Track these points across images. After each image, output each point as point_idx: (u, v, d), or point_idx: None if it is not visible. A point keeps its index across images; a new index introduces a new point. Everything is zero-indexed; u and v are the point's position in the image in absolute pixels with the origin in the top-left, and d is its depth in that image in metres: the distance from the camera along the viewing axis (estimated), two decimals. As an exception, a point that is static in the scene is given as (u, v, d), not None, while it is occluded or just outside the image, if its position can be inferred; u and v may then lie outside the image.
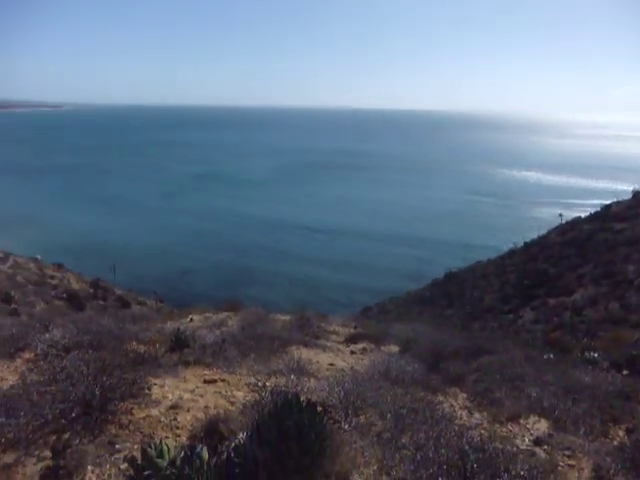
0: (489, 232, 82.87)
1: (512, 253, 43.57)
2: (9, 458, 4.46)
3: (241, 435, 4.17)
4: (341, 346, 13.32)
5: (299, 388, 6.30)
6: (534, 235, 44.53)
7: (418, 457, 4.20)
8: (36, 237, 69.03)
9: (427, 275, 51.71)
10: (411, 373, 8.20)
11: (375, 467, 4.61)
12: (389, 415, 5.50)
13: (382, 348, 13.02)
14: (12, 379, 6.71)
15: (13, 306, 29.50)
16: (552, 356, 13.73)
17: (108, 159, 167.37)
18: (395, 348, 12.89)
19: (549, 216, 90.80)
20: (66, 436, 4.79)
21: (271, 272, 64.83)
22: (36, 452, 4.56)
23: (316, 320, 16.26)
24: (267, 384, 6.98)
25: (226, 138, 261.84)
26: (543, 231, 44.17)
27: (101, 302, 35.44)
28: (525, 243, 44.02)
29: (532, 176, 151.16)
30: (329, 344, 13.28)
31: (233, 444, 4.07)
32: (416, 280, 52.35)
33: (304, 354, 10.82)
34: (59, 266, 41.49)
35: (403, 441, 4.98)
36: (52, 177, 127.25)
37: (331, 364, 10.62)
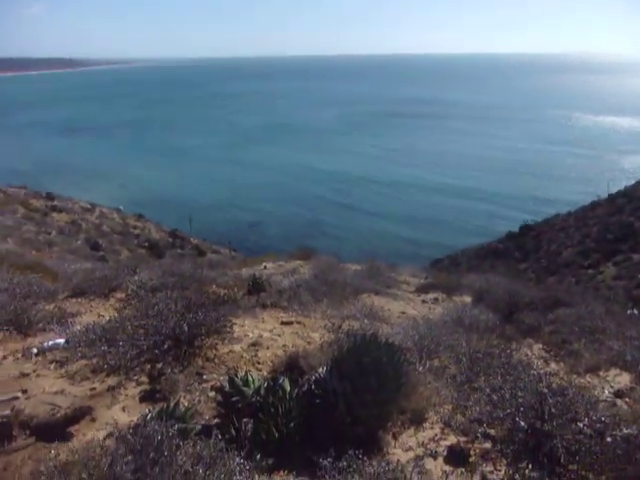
0: (565, 184, 78.02)
1: (595, 205, 41.16)
2: (112, 381, 4.94)
3: (321, 370, 4.36)
4: (412, 295, 13.38)
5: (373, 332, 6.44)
6: (619, 187, 41.63)
7: (494, 398, 4.23)
8: (115, 190, 72.81)
9: (497, 230, 49.98)
10: (485, 322, 8.14)
11: (450, 407, 4.71)
12: (464, 359, 5.53)
13: (454, 298, 12.96)
14: (108, 315, 7.31)
15: (101, 253, 31.65)
16: (636, 312, 13.12)
17: (177, 112, 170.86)
18: (468, 299, 12.77)
19: (635, 166, 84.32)
20: (159, 365, 5.21)
21: (338, 225, 65.03)
22: (135, 377, 5.02)
23: (386, 270, 16.36)
24: (342, 326, 7.17)
25: (296, 88, 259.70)
26: (630, 182, 41.14)
27: (179, 250, 37.19)
28: (609, 195, 41.40)
29: (613, 122, 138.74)
30: (400, 293, 13.36)
31: (313, 377, 4.28)
32: (486, 236, 50.76)
33: (375, 301, 10.98)
34: (140, 216, 43.74)
35: (478, 384, 5.02)
36: (125, 132, 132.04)
37: (402, 312, 10.72)
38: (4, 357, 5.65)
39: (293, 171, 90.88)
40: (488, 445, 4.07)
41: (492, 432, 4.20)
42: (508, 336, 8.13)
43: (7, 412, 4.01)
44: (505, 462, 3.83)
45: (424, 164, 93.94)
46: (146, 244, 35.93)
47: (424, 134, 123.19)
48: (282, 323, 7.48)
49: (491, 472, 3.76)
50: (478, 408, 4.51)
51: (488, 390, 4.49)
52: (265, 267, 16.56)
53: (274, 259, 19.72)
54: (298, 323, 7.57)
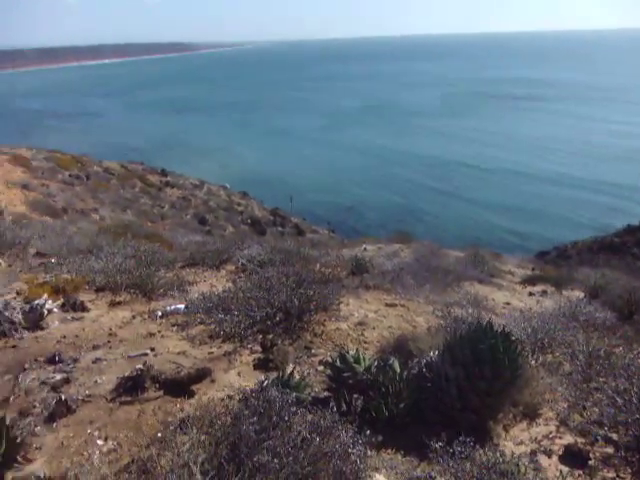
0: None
1: None
2: (228, 347, 5.25)
3: (432, 354, 4.33)
4: (517, 286, 12.81)
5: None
6: None
7: (619, 401, 3.96)
8: (222, 168, 76.28)
9: (612, 225, 45.98)
10: (602, 320, 7.60)
11: (565, 405, 4.48)
12: (580, 356, 5.22)
13: (564, 292, 12.21)
14: (220, 286, 7.74)
15: (207, 227, 33.45)
16: None
17: (281, 94, 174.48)
18: (579, 294, 11.98)
19: None
20: (270, 336, 5.45)
21: (435, 211, 63.29)
22: (249, 345, 5.30)
23: (490, 258, 15.77)
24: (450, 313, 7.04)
25: (396, 69, 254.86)
26: None
27: (279, 229, 38.40)
28: None
29: None
30: (504, 283, 12.85)
31: (424, 361, 4.26)
32: (598, 230, 46.88)
33: (479, 290, 10.65)
34: (244, 194, 45.60)
35: (598, 384, 4.73)
36: (231, 113, 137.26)
37: (507, 303, 10.31)
38: (133, 317, 6.20)
39: (389, 155, 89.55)
40: (610, 450, 3.83)
41: (614, 437, 3.94)
42: (629, 337, 7.53)
43: (140, 366, 4.40)
44: (630, 471, 3.58)
45: (527, 149, 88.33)
46: (249, 221, 37.44)
47: (526, 117, 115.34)
48: (386, 305, 7.50)
49: (613, 479, 3.55)
50: (598, 409, 4.24)
51: (610, 391, 4.21)
52: (365, 249, 16.63)
53: (374, 241, 19.76)
54: (402, 306, 7.54)
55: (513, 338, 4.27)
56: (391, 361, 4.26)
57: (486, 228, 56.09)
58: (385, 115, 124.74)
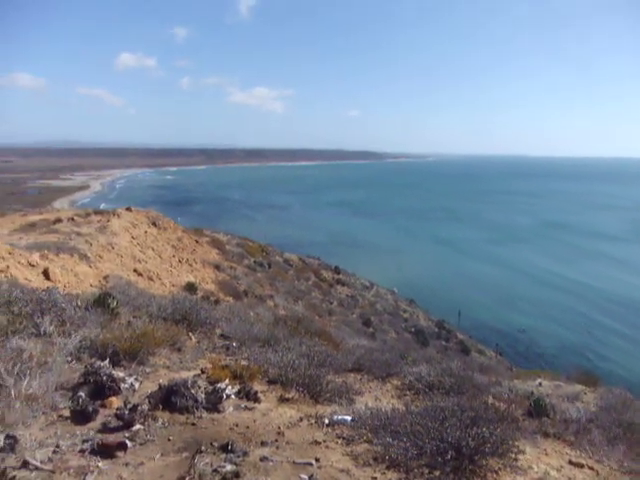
0: None
1: None
2: (392, 476, 4.95)
3: None
4: None
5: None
6: None
7: None
8: (391, 272, 77.38)
9: None
10: None
11: None
12: None
13: None
14: (385, 400, 7.54)
15: (371, 329, 33.60)
16: None
17: (456, 205, 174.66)
18: None
19: None
20: (437, 473, 5.03)
21: (621, 357, 55.37)
22: (414, 479, 4.93)
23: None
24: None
25: (579, 189, 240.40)
26: None
27: (443, 342, 36.95)
28: None
29: None
30: None
31: None
32: None
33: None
34: (411, 301, 45.34)
35: None
36: (403, 219, 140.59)
37: None
38: (300, 419, 6.27)
39: (565, 283, 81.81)
40: None
41: None
42: None
43: (305, 476, 4.36)
44: None
45: None
46: (413, 329, 36.78)
47: None
48: (570, 463, 6.51)
49: None
50: None
51: None
52: (540, 384, 15.00)
53: (549, 377, 17.79)
54: (590, 469, 6.47)
55: None
56: None
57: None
58: (562, 236, 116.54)
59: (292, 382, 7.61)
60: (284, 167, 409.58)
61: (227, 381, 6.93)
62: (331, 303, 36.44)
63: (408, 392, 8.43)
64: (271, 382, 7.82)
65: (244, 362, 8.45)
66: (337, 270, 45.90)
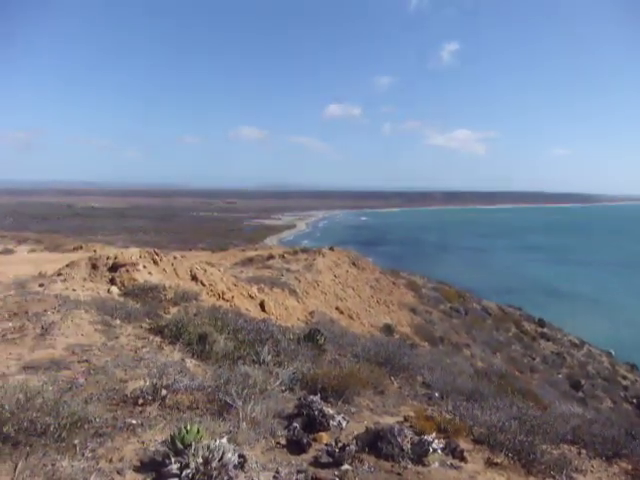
0: None
1: None
2: None
3: None
4: None
5: None
6: None
7: None
8: (607, 330, 68.02)
9: None
10: None
11: None
12: None
13: None
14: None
15: (580, 394, 29.83)
16: None
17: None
18: None
19: None
20: None
21: None
22: None
23: None
24: None
25: None
26: None
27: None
28: None
29: None
30: None
31: None
32: None
33: None
34: (632, 367, 39.18)
35: None
36: (621, 268, 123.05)
37: None
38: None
39: None
40: None
41: None
42: None
43: None
44: None
45: None
46: (634, 400, 31.58)
47: None
48: None
49: None
50: None
51: None
52: None
53: None
54: None
55: None
56: None
57: None
58: None
59: (501, 445, 7.09)
60: (482, 210, 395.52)
61: (434, 434, 6.75)
62: (533, 359, 33.40)
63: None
64: (477, 441, 7.39)
65: (448, 415, 8.17)
66: (541, 323, 42.05)
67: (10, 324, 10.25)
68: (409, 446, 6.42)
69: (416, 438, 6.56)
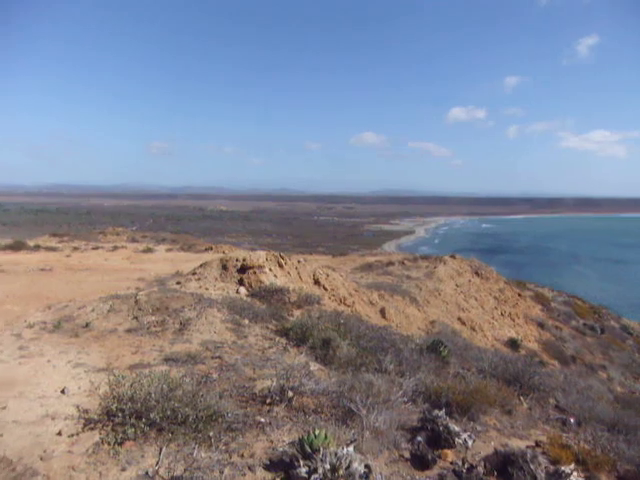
0: None
1: None
2: None
3: None
4: None
5: None
6: None
7: None
8: None
9: None
10: None
11: None
12: None
13: None
14: None
15: None
16: None
17: None
18: None
19: None
20: None
21: None
22: None
23: None
24: None
25: None
26: None
27: None
28: None
29: None
30: None
31: None
32: None
33: None
34: None
35: None
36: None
37: None
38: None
39: None
40: None
41: None
42: None
43: None
44: None
45: None
46: None
47: None
48: None
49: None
50: None
51: None
52: None
53: None
54: None
55: None
56: None
57: None
58: None
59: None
60: (621, 218, 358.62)
61: (572, 465, 6.19)
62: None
63: None
64: (622, 479, 6.67)
65: (586, 445, 7.47)
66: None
67: (153, 318, 11.27)
68: (543, 475, 5.95)
69: (551, 467, 6.07)
